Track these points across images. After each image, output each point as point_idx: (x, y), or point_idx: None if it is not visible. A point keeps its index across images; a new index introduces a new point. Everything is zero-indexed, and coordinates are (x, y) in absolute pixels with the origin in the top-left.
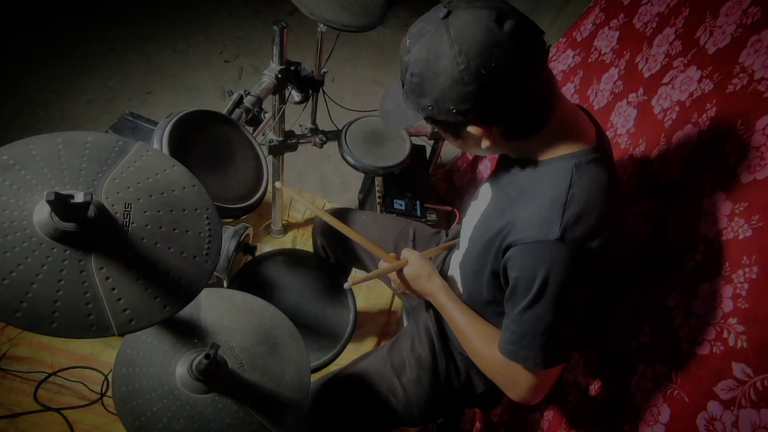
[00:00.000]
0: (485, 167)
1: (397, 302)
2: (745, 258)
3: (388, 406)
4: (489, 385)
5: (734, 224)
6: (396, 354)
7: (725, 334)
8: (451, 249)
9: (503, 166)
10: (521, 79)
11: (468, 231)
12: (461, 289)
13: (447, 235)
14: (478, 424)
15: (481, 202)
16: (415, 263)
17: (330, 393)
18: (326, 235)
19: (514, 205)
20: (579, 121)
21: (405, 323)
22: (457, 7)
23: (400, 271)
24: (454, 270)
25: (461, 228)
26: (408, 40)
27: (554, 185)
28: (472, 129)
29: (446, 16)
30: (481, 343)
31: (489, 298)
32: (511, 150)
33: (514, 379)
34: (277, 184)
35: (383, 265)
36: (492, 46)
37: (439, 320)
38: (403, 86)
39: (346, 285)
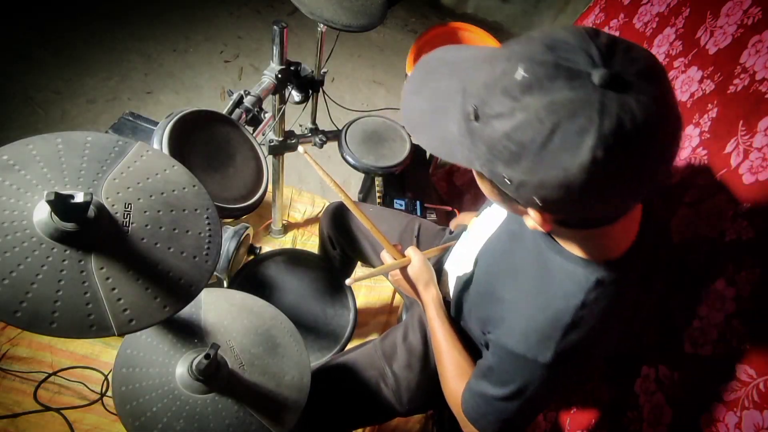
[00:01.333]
0: None
1: (398, 302)
2: (747, 259)
3: (378, 392)
4: None
5: (737, 225)
6: (387, 342)
7: (728, 336)
8: None
9: None
10: (627, 202)
11: (476, 244)
12: (451, 295)
13: (451, 233)
14: None
15: (493, 219)
16: (417, 266)
17: (320, 380)
18: (334, 226)
19: (518, 283)
20: (629, 220)
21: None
22: (624, 81)
23: (402, 269)
24: (450, 264)
25: (468, 229)
26: (523, 74)
27: (564, 296)
28: (531, 212)
29: (605, 86)
30: (452, 374)
31: (476, 330)
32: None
33: (467, 425)
34: (300, 149)
35: (387, 259)
36: (641, 162)
37: None
38: (474, 119)
39: (348, 281)
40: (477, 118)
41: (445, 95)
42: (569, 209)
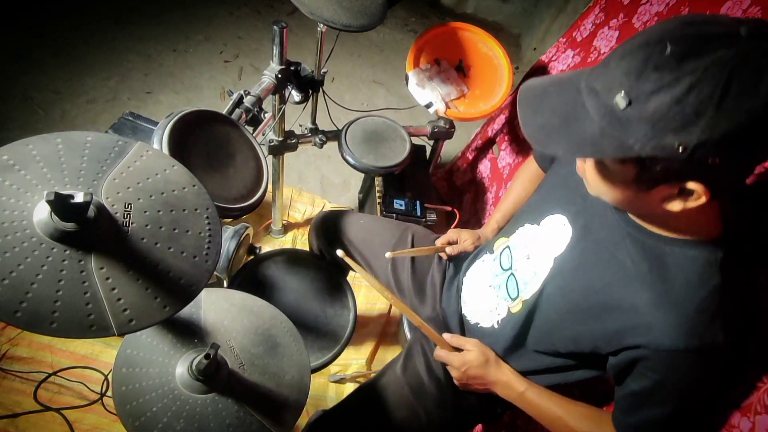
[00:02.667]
0: (485, 167)
1: None
2: (758, 263)
3: (411, 430)
4: (503, 407)
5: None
6: (411, 375)
7: None
8: (463, 260)
9: (597, 210)
10: None
11: (532, 263)
12: (501, 318)
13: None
14: (479, 426)
15: (550, 235)
16: (476, 349)
17: (347, 420)
18: (323, 237)
19: (642, 286)
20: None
21: (405, 324)
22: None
23: (460, 356)
24: (475, 283)
25: (510, 248)
26: (672, 47)
27: (704, 281)
28: (693, 185)
29: (757, 36)
30: (589, 427)
31: (559, 355)
32: (671, 217)
33: None
34: (340, 253)
35: (442, 355)
36: None
37: None
38: (626, 106)
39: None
40: (630, 104)
41: (569, 106)
42: (747, 159)
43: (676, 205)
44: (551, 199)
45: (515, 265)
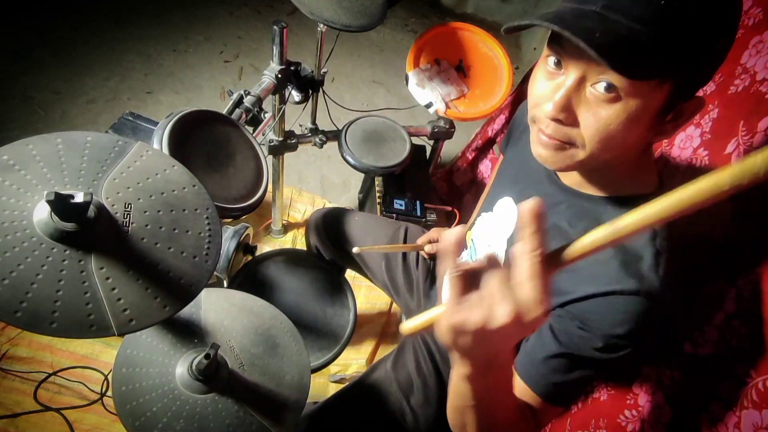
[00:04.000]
0: (485, 167)
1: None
2: (748, 259)
3: (398, 428)
4: None
5: (738, 225)
6: (401, 371)
7: (728, 336)
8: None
9: (535, 183)
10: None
11: (491, 251)
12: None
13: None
14: None
15: (502, 219)
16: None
17: (336, 416)
18: (320, 234)
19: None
20: (651, 164)
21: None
22: None
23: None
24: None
25: (473, 241)
26: None
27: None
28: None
29: None
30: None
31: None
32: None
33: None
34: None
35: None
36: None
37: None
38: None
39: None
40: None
41: (604, 26)
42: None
43: (669, 131)
44: (501, 183)
45: (478, 257)
